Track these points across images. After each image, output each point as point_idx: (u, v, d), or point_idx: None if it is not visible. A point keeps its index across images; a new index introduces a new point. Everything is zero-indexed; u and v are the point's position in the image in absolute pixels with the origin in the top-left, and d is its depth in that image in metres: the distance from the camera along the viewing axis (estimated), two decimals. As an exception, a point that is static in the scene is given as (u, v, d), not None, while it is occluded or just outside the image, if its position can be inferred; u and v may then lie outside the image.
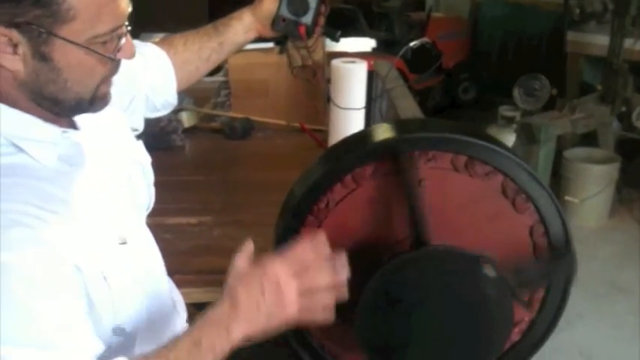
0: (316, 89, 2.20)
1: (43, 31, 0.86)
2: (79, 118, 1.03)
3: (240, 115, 2.27)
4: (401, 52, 2.11)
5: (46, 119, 0.95)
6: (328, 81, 2.01)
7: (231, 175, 1.99)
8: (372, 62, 2.27)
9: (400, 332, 0.99)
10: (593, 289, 2.93)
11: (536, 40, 4.96)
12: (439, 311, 0.99)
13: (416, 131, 1.08)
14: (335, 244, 1.05)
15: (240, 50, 1.51)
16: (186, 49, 1.40)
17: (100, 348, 0.91)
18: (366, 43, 4.26)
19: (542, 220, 1.06)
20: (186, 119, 2.26)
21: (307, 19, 1.44)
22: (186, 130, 2.23)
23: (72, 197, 0.93)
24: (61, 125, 0.98)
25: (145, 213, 1.23)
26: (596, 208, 3.47)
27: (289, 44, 1.80)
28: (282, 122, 2.25)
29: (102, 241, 0.96)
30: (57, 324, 0.85)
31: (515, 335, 1.13)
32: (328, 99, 1.96)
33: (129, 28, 0.96)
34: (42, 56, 0.88)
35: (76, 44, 0.88)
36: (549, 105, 3.62)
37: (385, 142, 1.05)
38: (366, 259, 1.03)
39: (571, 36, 4.10)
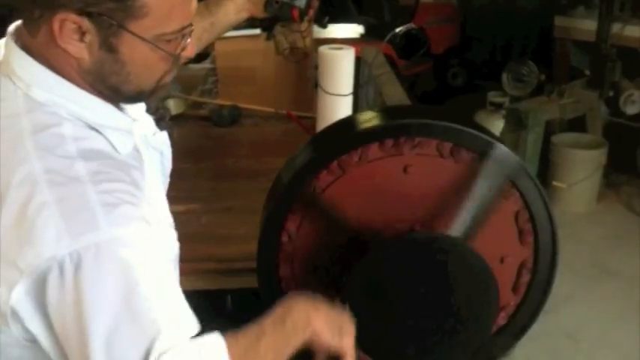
0: (304, 76, 2.19)
1: (114, 24, 0.86)
2: (128, 107, 1.03)
3: (227, 103, 2.26)
4: (387, 38, 2.11)
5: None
6: (316, 67, 2.00)
7: (219, 162, 1.98)
8: (359, 48, 2.27)
9: (386, 318, 1.00)
10: (581, 272, 2.96)
11: (524, 26, 4.96)
12: (424, 297, 0.99)
13: (401, 118, 1.08)
14: (321, 232, 1.05)
15: (227, 36, 1.50)
16: None
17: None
18: (354, 29, 4.24)
19: (527, 206, 1.07)
20: (174, 106, 2.25)
21: (301, 2, 1.42)
22: (173, 118, 2.22)
23: (143, 184, 0.94)
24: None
25: None
26: (584, 192, 3.49)
27: (277, 30, 1.79)
28: (270, 109, 2.25)
29: (163, 226, 1.00)
30: (175, 296, 0.88)
31: (502, 319, 1.14)
32: (316, 85, 1.96)
33: (193, 27, 0.96)
34: (109, 47, 0.88)
35: (144, 40, 0.89)
36: (538, 90, 3.63)
37: (371, 129, 1.06)
38: (352, 245, 1.04)
39: (559, 21, 4.10)
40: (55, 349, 0.85)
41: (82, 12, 0.84)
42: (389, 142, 1.03)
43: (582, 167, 3.42)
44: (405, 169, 1.04)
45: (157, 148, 1.10)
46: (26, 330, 0.84)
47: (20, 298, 0.81)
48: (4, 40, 0.95)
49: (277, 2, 1.41)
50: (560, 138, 3.54)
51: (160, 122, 2.12)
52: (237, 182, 1.82)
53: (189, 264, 1.42)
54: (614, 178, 3.71)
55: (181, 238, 1.52)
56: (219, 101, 2.30)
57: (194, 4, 0.94)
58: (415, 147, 1.03)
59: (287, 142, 2.01)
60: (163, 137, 1.12)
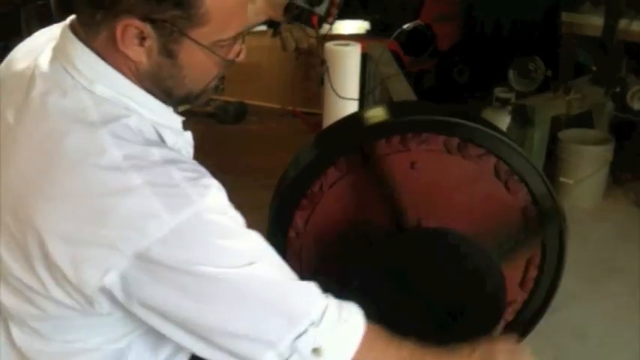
0: (310, 72, 2.19)
1: (176, 30, 0.87)
2: None
3: (233, 99, 2.26)
4: (394, 35, 2.10)
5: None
6: (322, 64, 2.00)
7: (224, 159, 1.99)
8: (365, 45, 2.26)
9: (391, 312, 1.00)
10: (588, 269, 2.94)
11: (530, 22, 4.94)
12: (431, 293, 0.99)
13: (409, 114, 1.08)
14: (328, 227, 1.05)
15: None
16: None
17: None
18: (360, 26, 4.23)
19: (535, 201, 1.06)
20: (180, 104, 2.25)
21: (321, 9, 1.43)
22: (179, 114, 2.22)
23: None
24: None
25: None
26: (590, 188, 3.47)
27: (283, 26, 1.79)
28: (276, 106, 2.25)
29: None
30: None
31: (509, 315, 1.14)
32: (322, 82, 1.96)
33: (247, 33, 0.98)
34: (168, 53, 0.90)
35: (203, 46, 0.90)
36: (544, 86, 3.61)
37: (379, 125, 1.05)
38: (358, 240, 1.03)
39: (565, 17, 4.08)
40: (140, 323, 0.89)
41: (145, 18, 0.85)
42: (396, 138, 1.03)
43: (589, 163, 3.40)
44: (412, 165, 1.04)
45: (184, 147, 1.10)
46: (118, 307, 0.87)
47: (115, 279, 0.83)
48: (58, 27, 0.97)
49: (297, 7, 1.41)
50: (567, 134, 3.52)
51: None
52: (242, 179, 1.82)
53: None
54: (621, 174, 3.69)
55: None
56: (225, 98, 2.30)
57: (249, 11, 0.96)
58: (422, 143, 1.03)
59: (293, 138, 2.01)
60: (188, 137, 1.13)
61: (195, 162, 0.94)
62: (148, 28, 0.86)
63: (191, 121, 2.28)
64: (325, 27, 1.77)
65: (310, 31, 1.56)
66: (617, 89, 3.51)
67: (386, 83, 2.09)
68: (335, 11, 1.47)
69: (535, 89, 3.67)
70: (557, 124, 3.51)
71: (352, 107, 1.92)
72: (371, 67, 2.30)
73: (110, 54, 0.90)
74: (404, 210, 1.02)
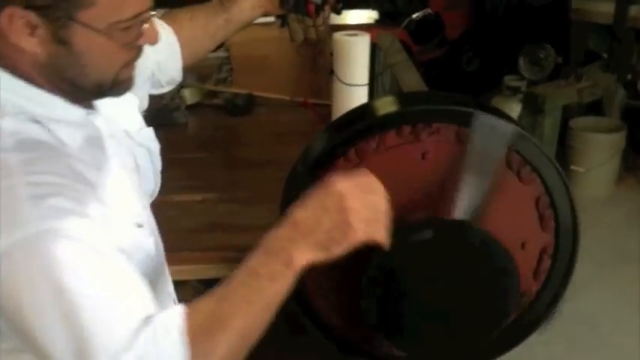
0: (319, 63, 2.19)
1: (62, 15, 0.84)
2: (96, 101, 1.02)
3: (242, 91, 2.26)
4: (404, 24, 2.09)
5: (70, 101, 0.94)
6: (331, 54, 1.99)
7: (234, 151, 1.98)
8: (375, 34, 2.25)
9: (405, 306, 0.99)
10: (600, 257, 2.93)
11: (540, 8, 4.90)
12: (444, 284, 0.99)
13: (419, 104, 1.08)
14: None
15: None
16: (192, 25, 1.36)
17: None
18: (369, 15, 4.21)
19: (548, 191, 1.05)
20: (189, 96, 2.25)
21: None
22: (188, 107, 2.22)
23: (96, 179, 0.92)
24: (84, 106, 0.97)
25: (150, 200, 1.21)
26: (602, 177, 3.45)
27: (291, 17, 1.78)
28: (285, 97, 2.24)
29: (123, 224, 0.95)
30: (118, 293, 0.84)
31: (522, 306, 1.13)
32: (331, 72, 1.95)
33: (154, 13, 0.93)
34: (61, 40, 0.86)
35: (96, 30, 0.86)
36: (554, 74, 3.59)
37: (388, 116, 1.05)
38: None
39: (576, 3, 4.05)
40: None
41: (27, 5, 0.82)
42: (406, 129, 1.02)
43: (600, 151, 3.38)
44: (423, 156, 1.03)
45: (144, 144, 1.09)
46: None
47: None
48: None
49: None
50: (578, 122, 3.50)
51: (175, 112, 2.13)
52: (252, 171, 1.82)
53: (206, 252, 1.43)
54: (633, 161, 3.66)
55: (198, 227, 1.54)
56: (234, 90, 2.30)
57: (246, 3, 0.91)
58: (433, 133, 1.02)
59: (302, 130, 2.00)
60: (149, 133, 1.11)
61: (77, 180, 0.86)
62: (32, 16, 0.82)
63: (202, 113, 2.30)
64: (335, 17, 1.76)
65: (309, 20, 1.54)
66: (629, 76, 3.49)
67: (395, 73, 2.08)
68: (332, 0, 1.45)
69: (546, 77, 3.65)
70: (569, 112, 3.49)
71: (362, 98, 1.91)
72: (380, 57, 2.28)
73: (4, 50, 0.86)
74: (415, 201, 1.01)
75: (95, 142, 0.97)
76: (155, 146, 1.16)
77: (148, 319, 0.81)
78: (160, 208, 1.17)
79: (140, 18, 0.90)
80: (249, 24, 1.43)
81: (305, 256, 0.86)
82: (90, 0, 0.83)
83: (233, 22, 1.38)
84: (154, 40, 0.95)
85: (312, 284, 1.10)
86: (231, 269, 1.50)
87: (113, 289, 0.82)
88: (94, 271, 0.81)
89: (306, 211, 0.88)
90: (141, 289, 0.86)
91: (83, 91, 0.93)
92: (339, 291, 1.09)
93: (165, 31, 1.33)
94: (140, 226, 1.01)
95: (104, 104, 1.02)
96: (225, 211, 1.60)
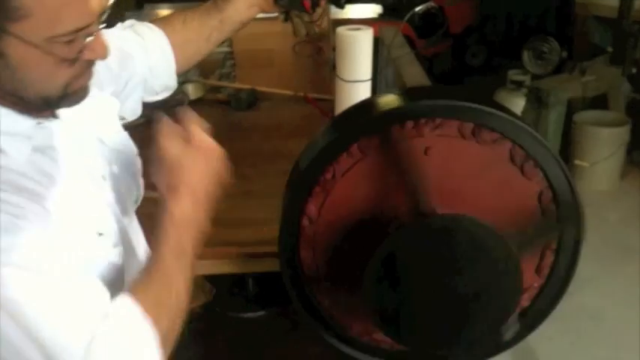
0: (321, 58, 2.18)
1: None
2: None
3: (245, 86, 2.26)
4: (406, 18, 2.08)
5: (20, 111, 0.92)
6: (334, 49, 1.98)
7: (237, 146, 1.97)
8: (378, 28, 2.24)
9: (407, 300, 0.99)
10: (604, 252, 2.92)
11: (544, 2, 4.88)
12: (447, 279, 0.98)
13: (422, 99, 1.07)
14: (342, 214, 1.04)
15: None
16: (186, 28, 1.33)
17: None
18: (372, 9, 4.20)
19: (551, 186, 1.05)
20: (192, 91, 2.25)
21: None
22: (192, 102, 2.22)
23: (43, 190, 0.90)
24: (37, 115, 0.95)
25: (134, 205, 1.19)
26: (606, 171, 3.44)
27: (292, 12, 1.78)
28: (288, 92, 2.24)
29: (78, 234, 0.93)
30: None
31: (525, 301, 1.13)
32: (334, 67, 1.94)
33: (102, 26, 0.90)
34: None
35: (32, 44, 0.83)
36: (559, 68, 3.58)
37: (391, 111, 1.04)
38: (373, 228, 1.03)
39: (580, -3, 4.04)
40: None
41: None
42: (409, 124, 1.02)
43: (605, 145, 3.37)
44: (425, 151, 1.03)
45: (116, 149, 1.08)
46: None
47: None
48: None
49: None
50: (582, 116, 3.49)
51: (179, 107, 2.13)
52: (255, 166, 1.82)
53: (209, 248, 1.43)
54: (637, 156, 3.65)
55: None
56: (237, 85, 2.30)
57: (94, 2, 0.86)
58: (436, 128, 1.02)
59: (305, 125, 2.00)
60: (122, 138, 1.11)
61: (20, 194, 0.85)
62: None
63: (206, 108, 2.30)
64: (338, 11, 1.76)
65: (307, 16, 1.53)
66: (634, 70, 3.48)
67: (398, 67, 2.07)
68: None
69: (550, 71, 3.64)
70: (573, 106, 3.48)
71: (364, 93, 1.90)
72: (383, 52, 2.28)
73: None
74: (418, 197, 1.01)
75: (46, 152, 0.95)
76: (129, 150, 1.14)
77: (105, 316, 0.86)
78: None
79: (83, 32, 0.87)
80: (245, 24, 1.40)
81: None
82: (24, 12, 0.80)
83: (228, 22, 1.36)
84: (102, 55, 0.92)
85: (313, 282, 1.10)
86: (235, 265, 1.51)
87: (54, 307, 0.83)
88: (30, 291, 0.81)
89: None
90: (92, 296, 0.88)
91: (28, 103, 0.91)
92: (341, 286, 1.09)
93: (156, 34, 1.31)
94: (101, 234, 0.99)
95: (69, 109, 0.99)
96: (228, 206, 1.60)
